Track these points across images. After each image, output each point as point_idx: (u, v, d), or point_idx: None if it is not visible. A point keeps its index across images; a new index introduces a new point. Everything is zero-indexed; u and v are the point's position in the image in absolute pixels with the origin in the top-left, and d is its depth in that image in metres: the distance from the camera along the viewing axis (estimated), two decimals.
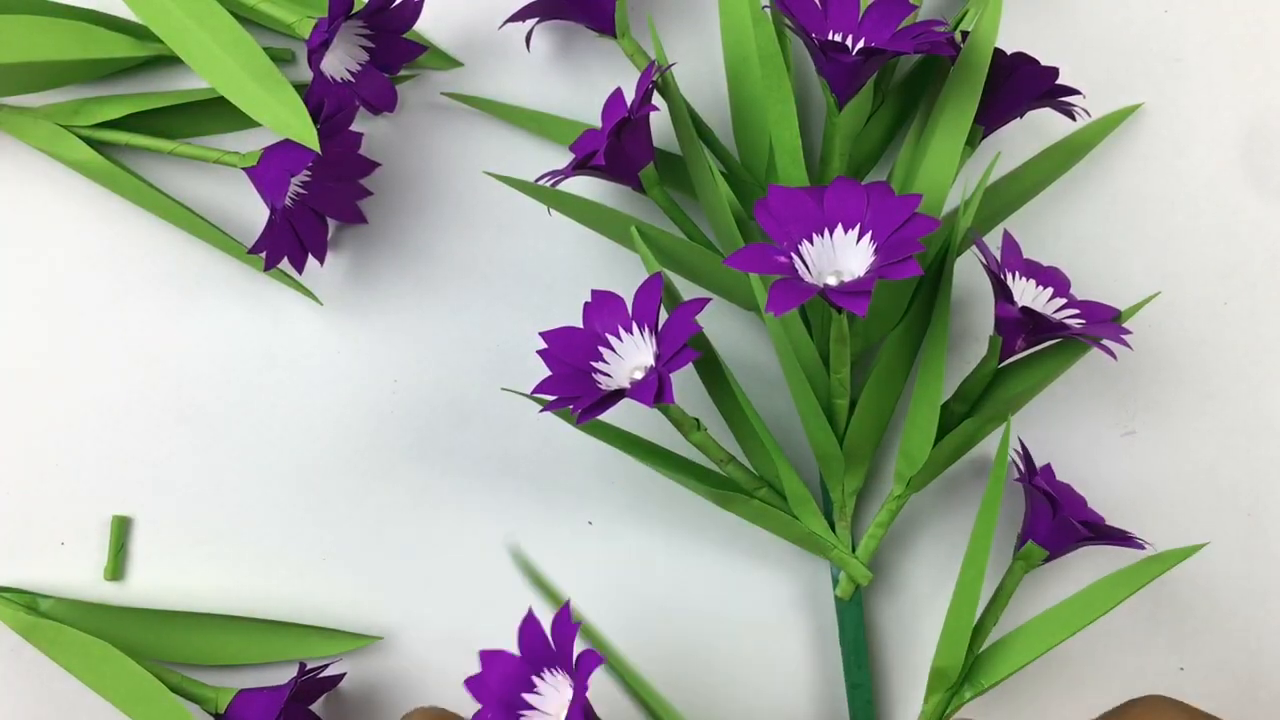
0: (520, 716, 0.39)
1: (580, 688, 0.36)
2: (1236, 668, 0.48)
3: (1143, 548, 0.44)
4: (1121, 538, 0.44)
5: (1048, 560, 0.44)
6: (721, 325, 0.48)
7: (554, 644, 0.39)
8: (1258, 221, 0.50)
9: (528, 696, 0.39)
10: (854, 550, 0.46)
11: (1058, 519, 0.43)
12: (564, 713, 0.38)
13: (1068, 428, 0.49)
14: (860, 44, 0.43)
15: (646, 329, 0.41)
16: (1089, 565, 0.48)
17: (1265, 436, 0.49)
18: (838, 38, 0.43)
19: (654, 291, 0.41)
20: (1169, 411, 0.49)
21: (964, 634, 0.43)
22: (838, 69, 0.42)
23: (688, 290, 0.47)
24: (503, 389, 0.48)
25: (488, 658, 0.39)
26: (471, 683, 0.39)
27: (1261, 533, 0.49)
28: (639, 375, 0.41)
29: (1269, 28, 0.51)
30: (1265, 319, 0.49)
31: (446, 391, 0.49)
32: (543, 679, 0.39)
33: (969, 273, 0.49)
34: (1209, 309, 0.50)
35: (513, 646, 0.39)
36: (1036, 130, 0.49)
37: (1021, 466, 0.45)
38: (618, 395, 0.40)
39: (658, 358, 0.41)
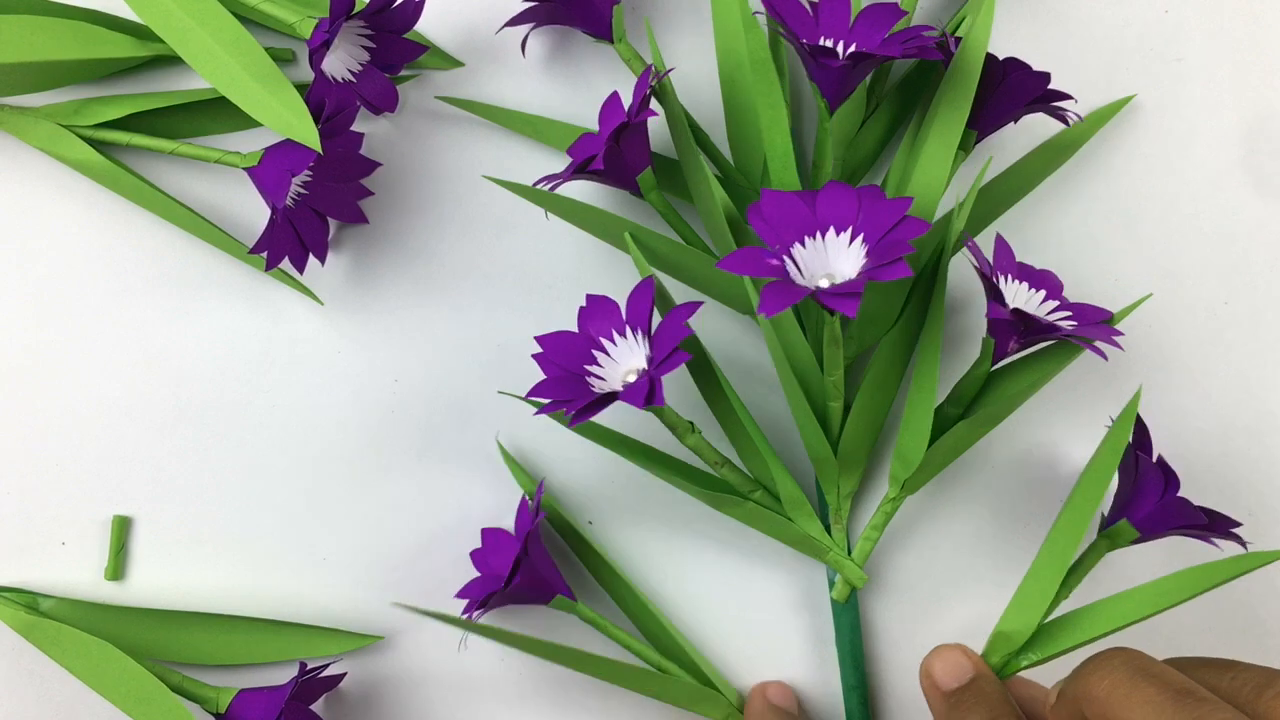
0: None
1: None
2: None
3: (1244, 546, 0.43)
4: (1226, 527, 0.42)
5: (1136, 542, 0.43)
6: (719, 328, 0.48)
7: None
8: (1258, 221, 0.50)
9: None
10: (850, 553, 0.46)
11: (1167, 499, 0.42)
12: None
13: (1068, 428, 0.49)
14: (851, 49, 0.43)
15: (640, 332, 0.42)
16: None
17: (1265, 436, 0.49)
18: (829, 43, 0.43)
19: (646, 295, 0.42)
20: (1169, 411, 0.49)
21: (1041, 601, 0.43)
22: (827, 74, 0.42)
23: (686, 294, 0.47)
24: (499, 392, 0.48)
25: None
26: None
27: (1261, 532, 0.49)
28: (632, 378, 0.42)
29: (1269, 28, 0.51)
30: (1265, 319, 0.49)
31: (447, 391, 0.49)
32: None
33: (966, 275, 0.49)
34: (1209, 309, 0.50)
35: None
36: (1032, 134, 0.49)
37: (1143, 453, 0.44)
38: (610, 398, 0.40)
39: (650, 361, 0.41)
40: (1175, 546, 0.47)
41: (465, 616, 0.44)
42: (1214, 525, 0.42)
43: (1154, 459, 0.43)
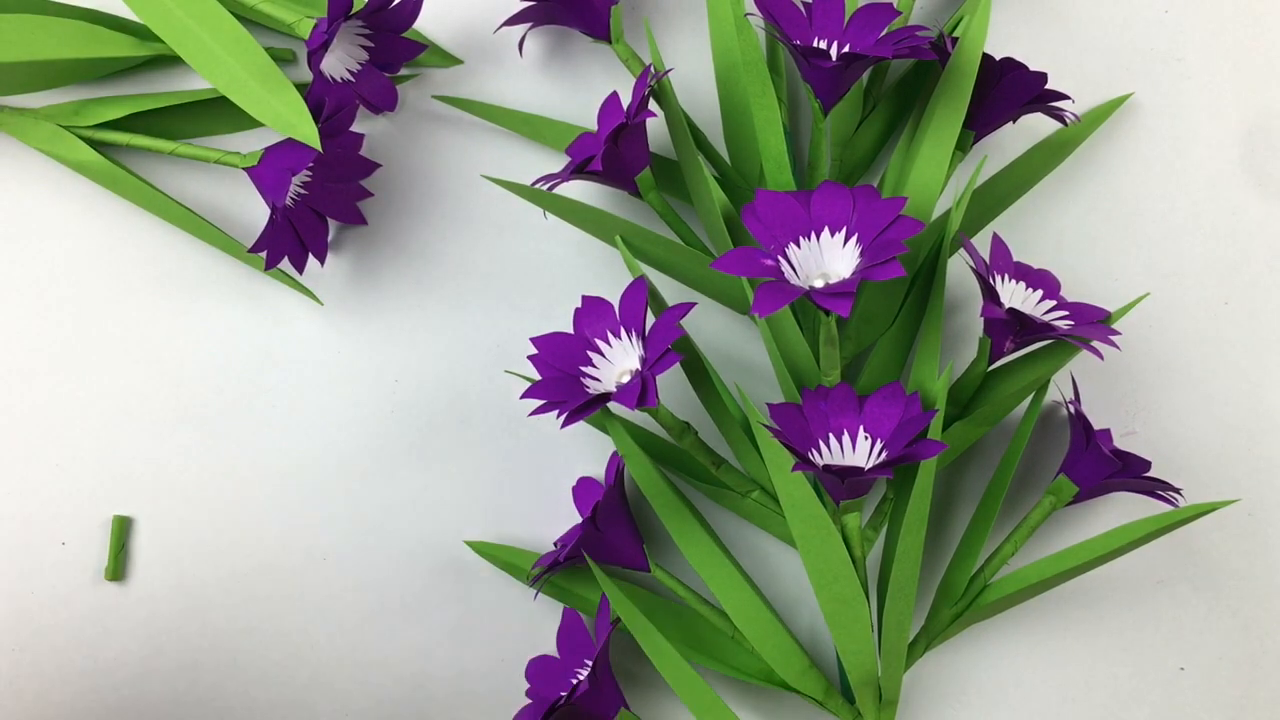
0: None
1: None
2: (1236, 668, 0.48)
3: (1174, 503, 0.45)
4: (1150, 480, 0.44)
5: (1079, 499, 0.45)
6: (718, 328, 0.48)
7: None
8: (1258, 221, 0.50)
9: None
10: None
11: (1090, 448, 0.43)
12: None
13: (1068, 429, 0.49)
14: (845, 49, 0.43)
15: (634, 333, 0.42)
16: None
17: (1265, 436, 0.49)
18: (822, 44, 0.43)
19: (638, 296, 0.42)
20: (1169, 411, 0.49)
21: (975, 551, 0.44)
22: (820, 75, 0.42)
23: (684, 294, 0.47)
24: (506, 371, 0.48)
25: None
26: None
27: (1261, 533, 0.49)
28: (626, 379, 0.42)
29: (1269, 28, 0.51)
30: (1265, 319, 0.49)
31: (447, 391, 0.49)
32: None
33: (964, 275, 0.49)
34: (1209, 309, 0.50)
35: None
36: (1031, 133, 0.49)
37: (1071, 406, 0.45)
38: (603, 399, 0.40)
39: (643, 361, 0.41)
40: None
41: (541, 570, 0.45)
42: (1134, 470, 0.44)
43: (1076, 415, 0.44)
